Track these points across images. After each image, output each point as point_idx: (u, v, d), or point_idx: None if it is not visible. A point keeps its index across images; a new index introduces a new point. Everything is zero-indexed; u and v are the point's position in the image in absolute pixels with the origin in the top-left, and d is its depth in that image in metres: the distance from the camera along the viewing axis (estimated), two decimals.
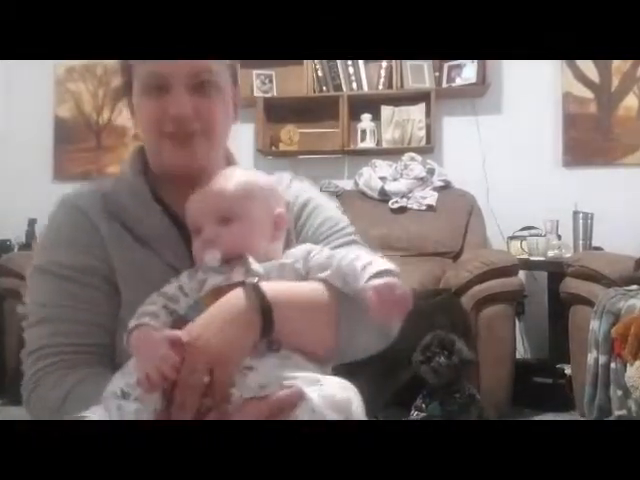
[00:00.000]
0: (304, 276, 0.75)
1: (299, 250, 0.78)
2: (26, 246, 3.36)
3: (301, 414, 0.63)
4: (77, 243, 0.81)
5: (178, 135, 0.78)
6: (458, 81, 3.13)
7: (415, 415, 1.95)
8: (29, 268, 0.83)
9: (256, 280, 0.71)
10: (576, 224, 2.77)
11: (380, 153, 3.22)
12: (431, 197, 2.96)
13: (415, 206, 2.96)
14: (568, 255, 2.58)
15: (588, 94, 3.08)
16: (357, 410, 0.66)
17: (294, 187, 0.91)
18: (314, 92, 3.18)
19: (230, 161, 0.90)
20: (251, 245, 0.75)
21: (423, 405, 1.96)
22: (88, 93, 3.61)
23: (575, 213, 2.78)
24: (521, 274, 2.58)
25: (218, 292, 0.71)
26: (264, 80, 3.28)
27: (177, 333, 0.66)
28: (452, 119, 3.24)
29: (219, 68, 0.80)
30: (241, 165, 0.90)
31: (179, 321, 0.70)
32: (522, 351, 2.98)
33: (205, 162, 0.81)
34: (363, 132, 3.21)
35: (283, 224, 0.81)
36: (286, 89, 3.27)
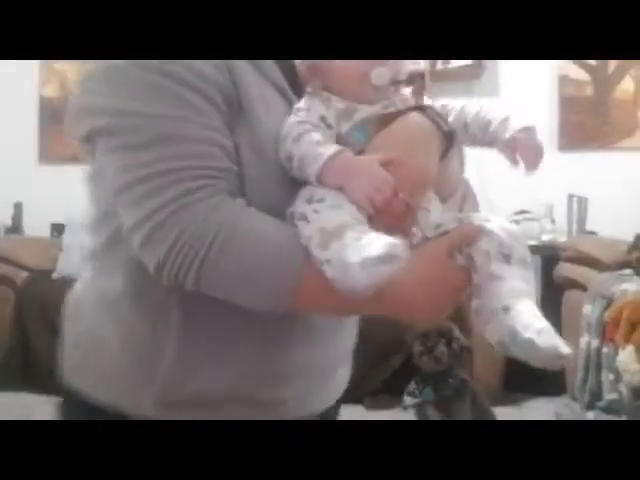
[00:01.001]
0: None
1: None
2: (12, 230, 3.31)
3: (485, 244, 0.63)
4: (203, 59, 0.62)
5: None
6: (453, 62, 3.08)
7: (409, 401, 1.94)
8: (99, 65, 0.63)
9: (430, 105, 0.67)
10: (570, 208, 2.75)
11: None
12: None
13: None
14: (562, 239, 2.57)
15: (585, 76, 3.05)
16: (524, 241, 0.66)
17: None
18: None
19: None
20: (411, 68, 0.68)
21: (416, 391, 1.95)
22: (74, 72, 3.53)
23: (569, 197, 2.76)
24: None
25: (386, 118, 0.64)
26: None
27: (386, 155, 0.61)
28: (447, 101, 3.20)
29: None
30: None
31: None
32: None
33: None
34: None
35: None
36: None
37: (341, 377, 0.80)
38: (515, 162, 0.69)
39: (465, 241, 0.64)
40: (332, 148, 0.61)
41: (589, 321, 2.02)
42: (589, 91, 3.05)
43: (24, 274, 2.68)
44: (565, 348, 0.57)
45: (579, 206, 2.73)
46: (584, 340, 2.04)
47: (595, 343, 1.99)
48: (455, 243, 0.64)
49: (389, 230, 0.59)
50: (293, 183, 0.63)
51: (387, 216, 0.61)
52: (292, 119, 0.64)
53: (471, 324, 2.29)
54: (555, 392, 2.34)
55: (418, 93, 0.69)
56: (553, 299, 2.45)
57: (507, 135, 0.69)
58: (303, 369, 0.71)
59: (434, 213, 0.65)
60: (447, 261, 0.63)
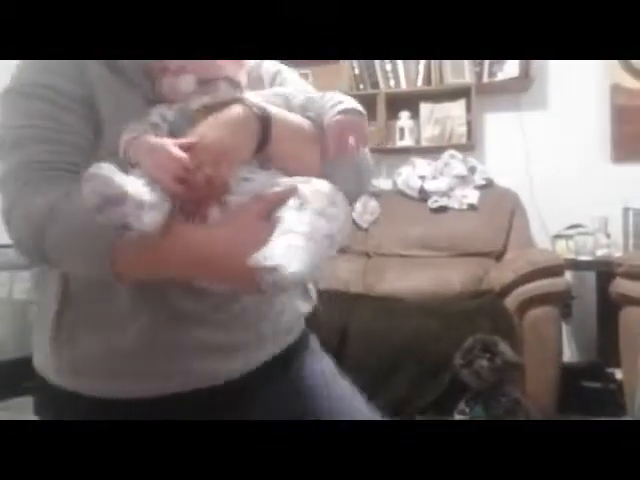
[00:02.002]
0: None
1: (278, 90, 0.83)
2: None
3: (292, 203, 0.67)
4: (56, 65, 0.75)
5: None
6: (500, 76, 3.04)
7: (459, 419, 1.90)
8: None
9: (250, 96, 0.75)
10: (626, 221, 2.65)
11: (419, 151, 3.16)
12: (472, 196, 2.89)
13: (456, 205, 2.90)
14: (618, 254, 2.47)
15: (637, 85, 2.95)
16: (342, 200, 0.72)
17: (265, 63, 0.92)
18: (351, 90, 3.15)
19: None
20: (225, 67, 0.75)
21: (467, 409, 1.91)
22: None
23: (625, 210, 2.66)
24: (568, 275, 2.48)
25: (209, 108, 0.73)
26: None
27: (186, 139, 0.69)
28: (494, 115, 3.16)
29: None
30: None
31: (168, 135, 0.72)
32: (570, 355, 2.88)
33: None
34: (401, 130, 3.16)
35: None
36: (323, 88, 3.22)
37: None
38: (332, 146, 0.74)
39: (275, 202, 0.69)
40: (132, 133, 0.71)
41: None
42: None
43: None
44: (291, 264, 0.59)
45: (635, 219, 2.63)
46: None
47: None
48: (268, 204, 0.69)
49: (204, 200, 0.68)
50: None
51: (192, 189, 0.67)
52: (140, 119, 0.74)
53: (522, 340, 2.23)
54: (613, 414, 2.24)
55: (235, 87, 0.76)
56: (610, 316, 2.36)
57: (328, 117, 0.76)
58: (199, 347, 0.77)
59: (257, 182, 0.71)
60: (258, 221, 0.68)
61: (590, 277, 2.78)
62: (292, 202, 0.68)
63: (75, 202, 0.67)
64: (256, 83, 0.86)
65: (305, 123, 0.78)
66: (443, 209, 2.92)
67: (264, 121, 0.73)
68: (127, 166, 0.69)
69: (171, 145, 0.67)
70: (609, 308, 2.37)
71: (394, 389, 2.26)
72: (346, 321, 2.36)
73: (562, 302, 2.39)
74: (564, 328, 2.54)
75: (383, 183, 3.17)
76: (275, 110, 0.75)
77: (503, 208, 2.85)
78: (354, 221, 3.01)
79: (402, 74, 3.15)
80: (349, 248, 2.97)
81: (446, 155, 3.02)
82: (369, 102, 3.10)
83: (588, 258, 2.57)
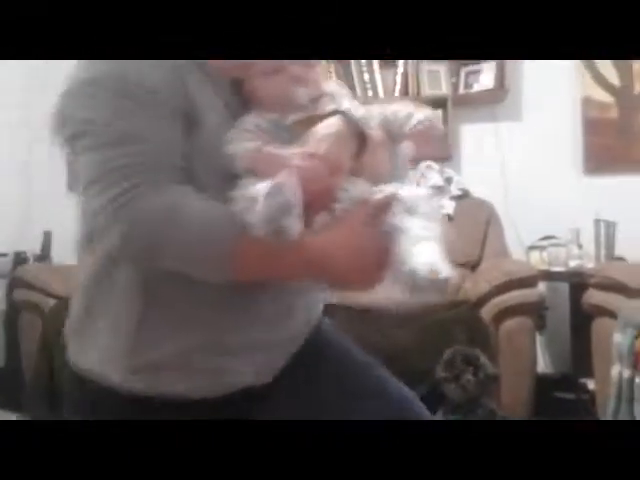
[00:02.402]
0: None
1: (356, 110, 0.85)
2: (41, 258, 3.38)
3: (397, 210, 0.74)
4: (154, 69, 0.74)
5: None
6: (476, 87, 3.08)
7: None
8: (75, 81, 0.76)
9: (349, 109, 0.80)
10: (598, 233, 2.70)
11: None
12: (449, 206, 2.91)
13: None
14: (590, 265, 2.51)
15: (609, 98, 3.01)
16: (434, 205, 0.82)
17: None
18: None
19: None
20: (322, 82, 0.82)
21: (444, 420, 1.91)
22: None
23: (597, 222, 2.71)
24: (542, 285, 2.51)
25: (309, 120, 0.78)
26: None
27: (305, 149, 0.75)
28: (470, 126, 3.19)
29: None
30: None
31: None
32: (543, 365, 2.91)
33: None
34: None
35: None
36: None
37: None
38: (419, 153, 0.84)
39: (379, 207, 0.75)
40: (247, 143, 0.75)
41: (620, 350, 1.95)
42: (614, 113, 3.01)
43: (52, 301, 2.72)
44: (445, 269, 0.69)
45: (607, 231, 2.68)
46: (616, 370, 1.97)
47: (627, 373, 1.92)
48: (370, 210, 0.75)
49: (314, 207, 0.74)
50: (234, 177, 0.76)
51: (310, 194, 0.72)
52: (235, 127, 0.78)
53: (497, 351, 2.25)
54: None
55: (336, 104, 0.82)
56: (583, 327, 2.39)
57: (406, 129, 0.84)
58: (250, 345, 0.81)
59: (355, 192, 0.78)
60: (363, 226, 0.74)
61: (563, 288, 2.82)
62: (398, 209, 0.74)
63: (197, 204, 0.72)
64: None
65: (382, 136, 0.84)
66: None
67: (361, 134, 0.79)
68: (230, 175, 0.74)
69: (293, 156, 0.73)
70: (582, 319, 2.40)
71: None
72: None
73: (536, 313, 2.42)
74: (538, 339, 2.57)
75: None
76: (364, 118, 0.81)
77: (478, 219, 2.88)
78: None
79: (380, 84, 3.16)
80: None
81: (422, 166, 3.03)
82: None
83: (561, 269, 2.61)
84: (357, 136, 0.79)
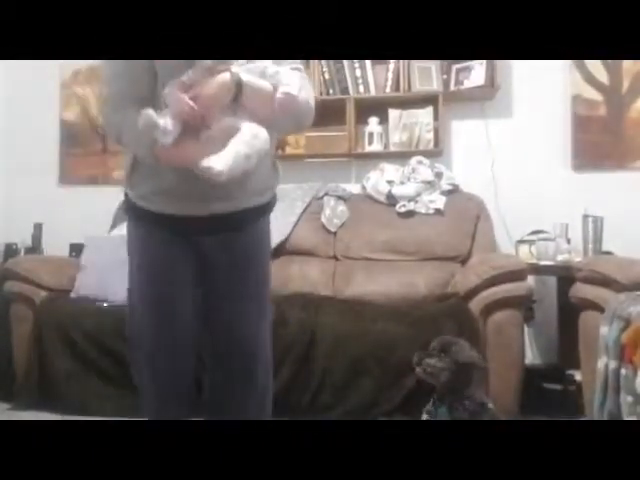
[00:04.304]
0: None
1: (259, 64, 1.27)
2: (32, 250, 3.37)
3: (239, 136, 1.23)
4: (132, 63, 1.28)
5: None
6: (466, 84, 3.10)
7: (425, 418, 1.92)
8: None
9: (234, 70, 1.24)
10: (586, 228, 2.73)
11: (388, 156, 3.20)
12: (439, 201, 2.94)
13: (423, 210, 2.94)
14: (578, 259, 2.54)
15: (597, 96, 3.05)
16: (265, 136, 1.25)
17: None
18: (320, 95, 3.16)
19: None
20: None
21: (433, 409, 1.92)
22: (94, 96, 3.61)
23: (585, 217, 2.75)
24: (530, 279, 2.54)
25: (209, 72, 1.23)
26: None
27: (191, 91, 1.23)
28: (460, 122, 3.22)
29: None
30: None
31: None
32: (531, 357, 2.95)
33: None
34: (370, 135, 3.19)
35: None
36: None
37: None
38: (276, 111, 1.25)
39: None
40: (167, 88, 1.24)
41: (607, 342, 1.98)
42: (602, 111, 3.05)
43: (43, 293, 2.72)
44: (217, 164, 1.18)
45: (595, 226, 2.71)
46: (602, 362, 2.00)
47: (613, 365, 1.95)
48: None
49: (195, 127, 1.22)
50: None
51: (193, 120, 1.21)
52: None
53: (486, 344, 2.27)
54: (573, 414, 2.30)
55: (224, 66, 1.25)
56: (570, 320, 2.43)
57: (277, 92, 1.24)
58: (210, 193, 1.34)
59: (226, 122, 1.22)
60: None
61: (551, 282, 2.86)
62: (239, 135, 1.21)
63: (138, 119, 1.22)
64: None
65: (268, 88, 1.25)
66: (410, 214, 2.96)
67: (238, 83, 1.22)
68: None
69: (184, 96, 1.20)
70: (569, 312, 2.44)
71: (361, 391, 2.27)
72: (314, 323, 2.37)
73: (525, 306, 2.45)
74: (526, 331, 2.60)
75: (352, 188, 3.20)
76: (248, 77, 1.23)
77: (468, 213, 2.91)
78: (323, 225, 3.02)
79: (371, 80, 3.18)
80: (318, 251, 2.98)
81: (413, 161, 3.06)
82: (339, 107, 3.13)
83: (549, 263, 2.64)
84: (236, 86, 1.21)
